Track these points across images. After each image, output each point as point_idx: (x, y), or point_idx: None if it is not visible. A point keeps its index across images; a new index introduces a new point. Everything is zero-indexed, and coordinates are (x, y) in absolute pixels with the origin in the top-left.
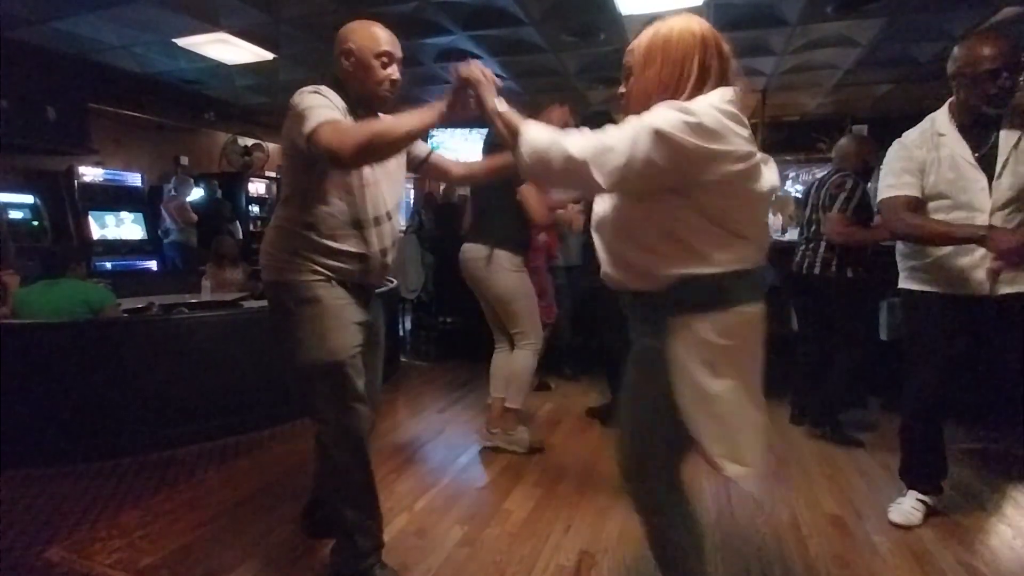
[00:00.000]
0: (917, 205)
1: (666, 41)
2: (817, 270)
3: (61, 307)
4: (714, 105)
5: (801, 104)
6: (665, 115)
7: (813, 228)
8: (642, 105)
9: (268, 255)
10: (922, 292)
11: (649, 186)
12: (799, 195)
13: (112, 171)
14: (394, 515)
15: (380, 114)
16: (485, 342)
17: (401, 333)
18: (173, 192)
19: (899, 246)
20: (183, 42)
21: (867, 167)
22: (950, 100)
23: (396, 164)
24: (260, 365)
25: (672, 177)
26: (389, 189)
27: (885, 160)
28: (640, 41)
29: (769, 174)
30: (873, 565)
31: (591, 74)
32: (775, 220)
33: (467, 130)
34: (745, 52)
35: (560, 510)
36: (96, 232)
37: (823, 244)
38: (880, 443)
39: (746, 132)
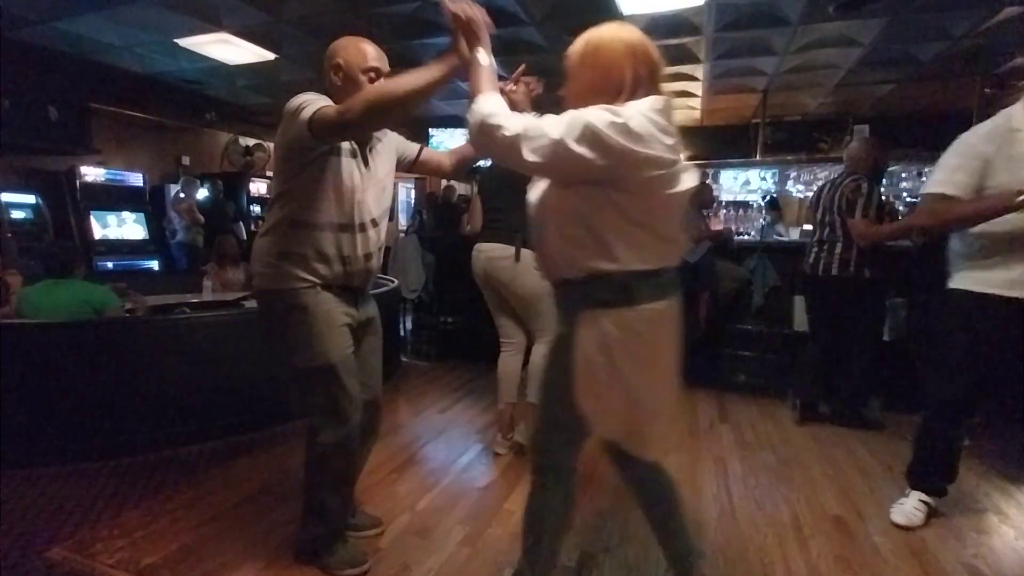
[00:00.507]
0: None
1: (596, 48)
2: (835, 271)
3: (63, 307)
4: (642, 112)
5: (802, 104)
6: (596, 113)
7: (827, 230)
8: (577, 108)
9: (258, 263)
10: (980, 294)
11: (572, 174)
12: (800, 195)
13: (113, 171)
14: (395, 515)
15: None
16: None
17: (401, 333)
18: (181, 194)
19: (954, 246)
20: (184, 42)
21: (877, 169)
22: None
23: (385, 172)
24: (260, 365)
25: (595, 170)
26: (376, 197)
27: (946, 153)
28: (575, 47)
29: (688, 179)
30: (875, 566)
31: None
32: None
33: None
34: (746, 52)
35: None
36: (98, 232)
37: (839, 245)
38: (881, 443)
39: (671, 141)
